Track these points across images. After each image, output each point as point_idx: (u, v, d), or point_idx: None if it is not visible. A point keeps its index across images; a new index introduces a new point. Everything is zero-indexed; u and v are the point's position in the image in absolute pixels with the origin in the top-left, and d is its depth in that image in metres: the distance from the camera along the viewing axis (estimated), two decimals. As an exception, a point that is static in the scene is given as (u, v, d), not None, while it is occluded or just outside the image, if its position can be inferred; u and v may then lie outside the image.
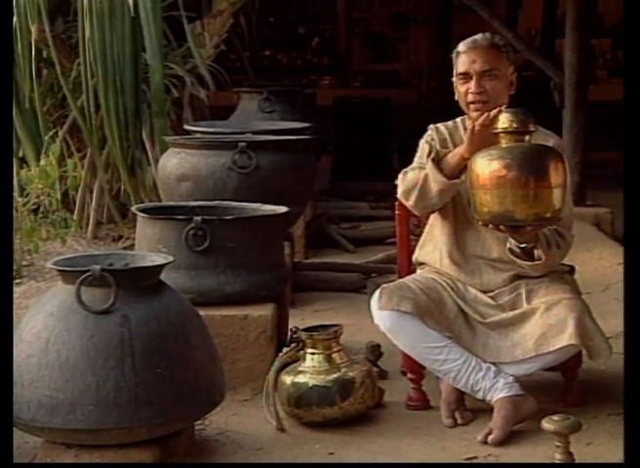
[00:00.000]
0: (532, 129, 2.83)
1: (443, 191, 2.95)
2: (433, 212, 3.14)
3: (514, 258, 2.95)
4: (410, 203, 3.05)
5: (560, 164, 2.78)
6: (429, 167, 2.94)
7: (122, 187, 5.21)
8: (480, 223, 2.87)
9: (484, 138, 2.83)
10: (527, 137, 2.82)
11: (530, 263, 2.94)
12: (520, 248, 2.92)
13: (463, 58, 3.05)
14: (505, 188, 2.72)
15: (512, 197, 2.72)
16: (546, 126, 3.15)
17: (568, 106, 6.11)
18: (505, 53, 3.07)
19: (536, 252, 2.92)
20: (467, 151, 2.87)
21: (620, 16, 10.17)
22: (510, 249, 2.95)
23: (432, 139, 3.14)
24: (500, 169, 2.72)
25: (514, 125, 2.78)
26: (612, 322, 3.50)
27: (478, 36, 3.09)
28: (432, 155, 2.97)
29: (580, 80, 6.08)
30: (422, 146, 3.16)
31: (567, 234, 3.00)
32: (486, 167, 2.75)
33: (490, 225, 2.83)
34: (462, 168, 2.90)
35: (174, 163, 3.85)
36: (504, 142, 2.80)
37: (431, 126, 3.19)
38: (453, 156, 2.95)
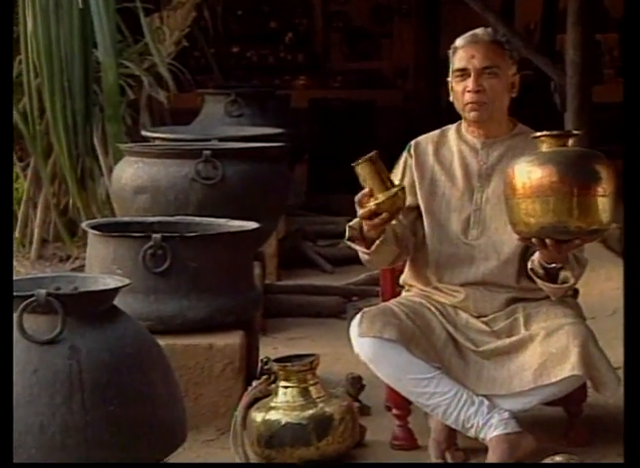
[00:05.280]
0: (576, 132, 2.85)
1: (371, 261, 3.04)
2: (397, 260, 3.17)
3: (536, 279, 2.95)
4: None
5: (612, 170, 2.76)
6: (350, 245, 3.02)
7: (70, 201, 5.21)
8: (520, 236, 2.84)
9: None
10: (570, 141, 2.81)
11: (554, 286, 2.95)
12: (547, 268, 2.92)
13: (461, 53, 3.06)
14: (558, 196, 2.68)
15: (567, 205, 2.68)
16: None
17: (570, 109, 6.16)
18: (508, 50, 3.08)
19: (562, 273, 2.92)
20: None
21: (627, 8, 10.28)
22: (532, 269, 2.94)
23: (405, 161, 3.18)
24: (551, 174, 2.69)
25: None
26: (619, 350, 3.50)
27: (479, 30, 3.10)
28: (347, 233, 2.99)
29: (584, 80, 6.13)
30: (397, 166, 3.20)
31: (582, 258, 3.00)
32: (533, 173, 2.71)
33: (533, 239, 2.80)
34: (379, 234, 2.93)
35: (129, 173, 3.85)
36: (546, 147, 2.78)
37: (412, 142, 3.21)
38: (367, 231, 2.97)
